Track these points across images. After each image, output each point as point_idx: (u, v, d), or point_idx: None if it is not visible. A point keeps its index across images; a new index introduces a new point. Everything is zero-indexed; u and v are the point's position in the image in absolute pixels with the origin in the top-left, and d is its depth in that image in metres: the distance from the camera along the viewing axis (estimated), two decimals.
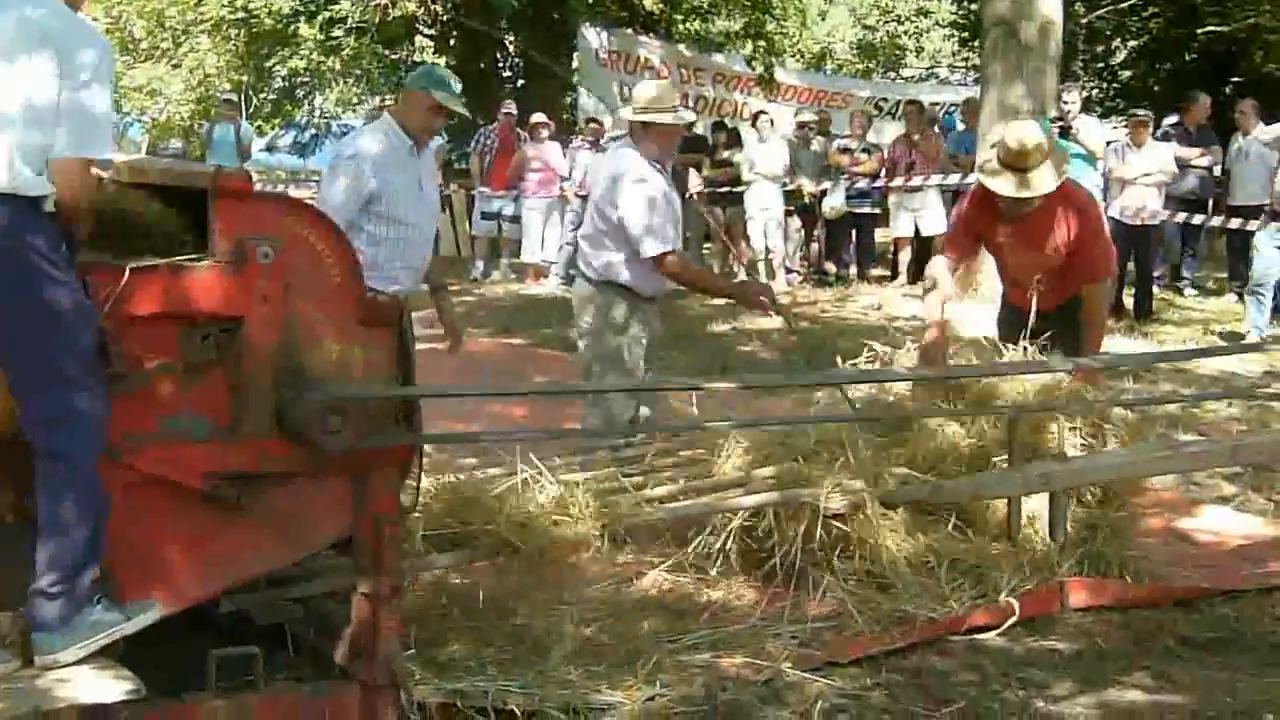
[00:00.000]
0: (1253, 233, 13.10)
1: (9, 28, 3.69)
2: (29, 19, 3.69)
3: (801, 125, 17.32)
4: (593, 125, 17.37)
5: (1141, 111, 14.52)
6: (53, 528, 3.64)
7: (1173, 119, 15.47)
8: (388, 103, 23.45)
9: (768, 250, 16.09)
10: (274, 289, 3.94)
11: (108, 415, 3.72)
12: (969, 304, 11.42)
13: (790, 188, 16.22)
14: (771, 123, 16.88)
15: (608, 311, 6.86)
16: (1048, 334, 6.42)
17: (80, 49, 3.71)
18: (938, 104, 21.55)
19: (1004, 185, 6.62)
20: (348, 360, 4.09)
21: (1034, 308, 6.65)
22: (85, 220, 3.81)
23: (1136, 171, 13.74)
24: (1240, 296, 14.65)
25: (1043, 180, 6.57)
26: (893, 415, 6.11)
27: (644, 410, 6.85)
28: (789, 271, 16.46)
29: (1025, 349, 6.37)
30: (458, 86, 6.42)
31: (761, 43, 21.94)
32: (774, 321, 13.38)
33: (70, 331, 3.64)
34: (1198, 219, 14.66)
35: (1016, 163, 6.59)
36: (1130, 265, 13.79)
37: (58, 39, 3.68)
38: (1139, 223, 13.70)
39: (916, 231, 15.92)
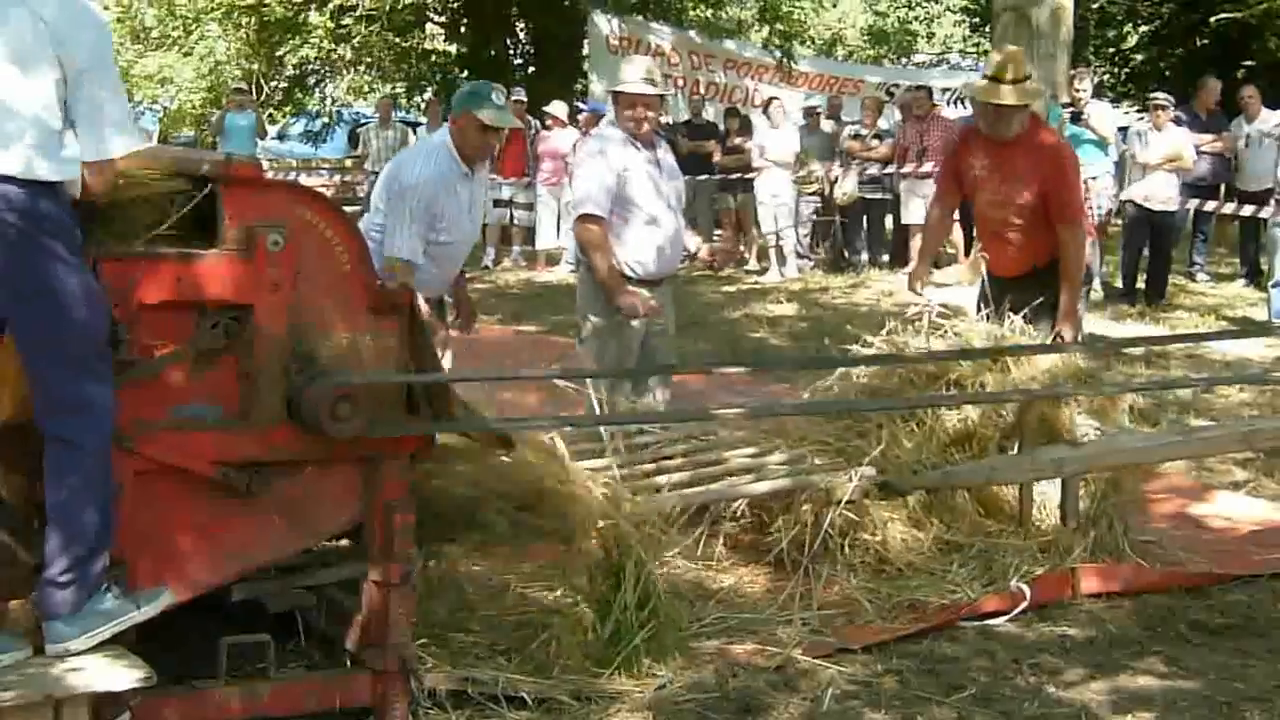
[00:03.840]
0: (1263, 220, 13.08)
1: (24, 27, 3.68)
2: (38, 17, 3.68)
3: (809, 111, 17.28)
4: (585, 116, 17.30)
5: (1161, 96, 14.46)
6: (63, 515, 3.64)
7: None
8: (397, 91, 23.51)
9: (778, 237, 16.07)
10: (284, 277, 3.94)
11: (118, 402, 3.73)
12: (978, 287, 11.39)
13: (801, 174, 16.19)
14: (783, 109, 16.85)
15: (588, 290, 6.87)
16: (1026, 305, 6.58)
17: (74, 35, 3.69)
18: (949, 90, 21.50)
19: (981, 91, 7.03)
20: (358, 347, 4.10)
21: (1011, 274, 6.97)
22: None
23: (1157, 157, 13.69)
24: (1250, 281, 14.66)
25: (1016, 93, 6.88)
26: (902, 404, 6.08)
27: (660, 395, 6.84)
28: (800, 257, 16.44)
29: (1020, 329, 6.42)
30: (501, 99, 6.40)
31: (779, 26, 21.91)
32: (784, 308, 13.46)
33: (83, 317, 3.64)
34: (1209, 205, 14.64)
35: (995, 74, 6.92)
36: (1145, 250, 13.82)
37: (57, 30, 3.68)
38: (1157, 208, 13.68)
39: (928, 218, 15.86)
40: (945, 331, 6.42)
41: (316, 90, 25.54)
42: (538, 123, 17.25)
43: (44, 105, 3.67)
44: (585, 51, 22.10)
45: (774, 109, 16.74)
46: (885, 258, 16.71)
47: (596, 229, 6.70)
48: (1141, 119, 15.64)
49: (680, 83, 20.70)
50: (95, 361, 3.67)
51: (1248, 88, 15.16)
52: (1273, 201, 12.95)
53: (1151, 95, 15.03)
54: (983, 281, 7.18)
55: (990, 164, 7.04)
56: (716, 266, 7.52)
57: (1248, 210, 13.97)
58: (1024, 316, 6.45)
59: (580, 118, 17.38)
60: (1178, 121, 14.51)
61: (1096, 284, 12.12)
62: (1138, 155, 13.84)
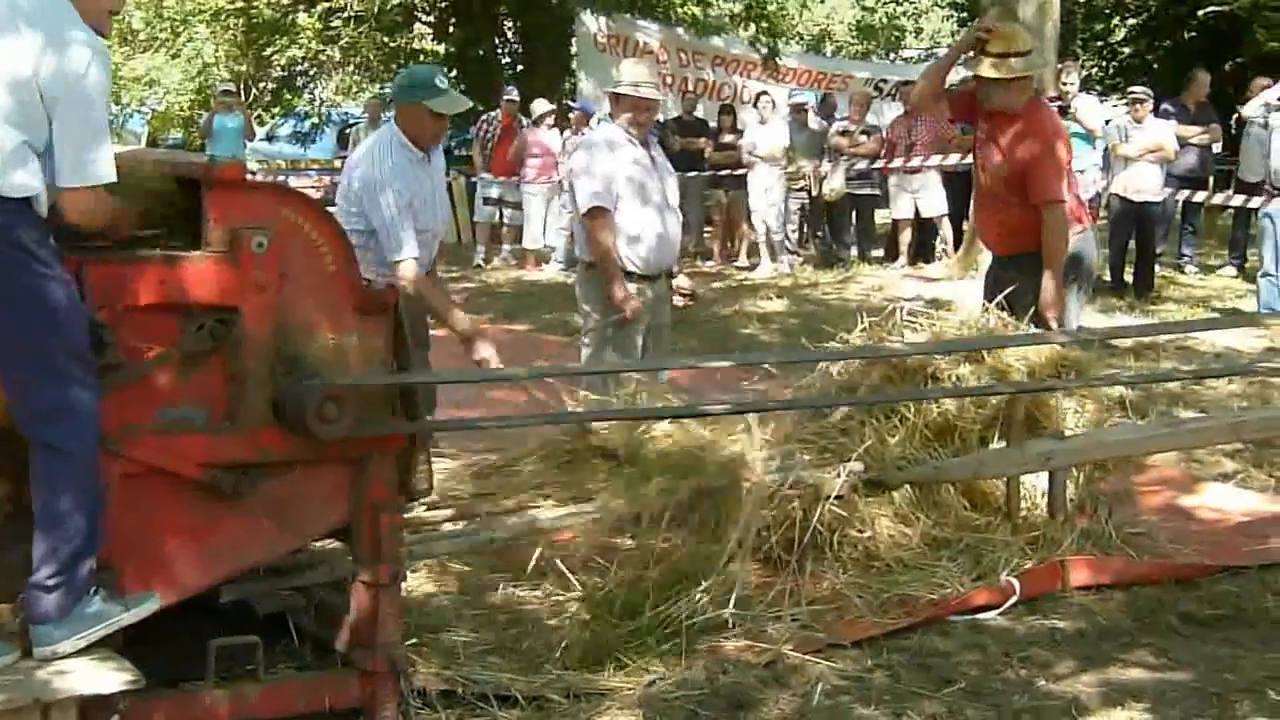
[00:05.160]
0: (1255, 210, 13.10)
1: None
2: (17, 6, 3.67)
3: (795, 108, 17.27)
4: (575, 115, 17.27)
5: (1139, 89, 14.51)
6: (49, 520, 3.64)
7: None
8: (385, 91, 23.46)
9: (769, 232, 16.08)
10: (269, 278, 3.94)
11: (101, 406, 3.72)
12: (969, 281, 11.43)
13: (790, 170, 16.20)
14: (772, 104, 16.84)
15: (594, 290, 6.88)
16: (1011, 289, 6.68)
17: (74, 68, 3.66)
18: None
19: (977, 67, 7.17)
20: (344, 348, 4.09)
21: (1001, 251, 7.31)
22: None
23: (1137, 149, 13.72)
24: (1238, 269, 14.70)
25: (1008, 67, 7.01)
26: (896, 398, 6.08)
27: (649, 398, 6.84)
28: (790, 253, 16.45)
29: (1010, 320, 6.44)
30: (445, 83, 6.32)
31: (764, 24, 21.92)
32: (774, 304, 13.47)
33: (62, 324, 3.63)
34: (1198, 196, 14.65)
35: (991, 49, 7.09)
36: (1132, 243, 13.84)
37: (46, 37, 3.66)
38: (1140, 200, 13.70)
39: (916, 213, 15.90)
40: (919, 326, 6.42)
41: (305, 91, 25.51)
42: (528, 121, 17.23)
43: (15, 118, 3.65)
44: (573, 50, 22.09)
45: (762, 104, 16.74)
46: (879, 253, 16.73)
47: (605, 222, 6.80)
48: (1117, 108, 15.65)
49: (669, 80, 20.68)
50: (76, 367, 3.65)
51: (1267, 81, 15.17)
52: (1264, 191, 12.97)
53: (1130, 90, 15.06)
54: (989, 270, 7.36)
55: (988, 128, 7.23)
56: (683, 306, 7.52)
57: (1240, 200, 13.98)
58: (1003, 300, 6.53)
59: (571, 116, 17.35)
60: (1166, 114, 14.53)
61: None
62: (1119, 149, 13.87)
